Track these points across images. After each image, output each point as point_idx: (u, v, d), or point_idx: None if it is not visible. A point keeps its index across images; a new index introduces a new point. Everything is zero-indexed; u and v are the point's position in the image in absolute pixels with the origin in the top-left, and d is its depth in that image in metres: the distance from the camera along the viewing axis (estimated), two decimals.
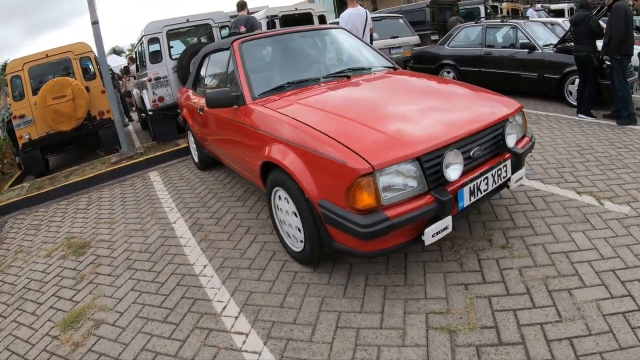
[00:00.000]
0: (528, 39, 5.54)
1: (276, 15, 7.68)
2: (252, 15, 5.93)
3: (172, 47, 6.23)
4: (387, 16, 8.91)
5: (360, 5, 5.07)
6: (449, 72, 6.73)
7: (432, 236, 1.80)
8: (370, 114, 2.10)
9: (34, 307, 2.53)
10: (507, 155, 2.16)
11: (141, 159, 5.40)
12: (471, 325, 1.73)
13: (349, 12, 4.71)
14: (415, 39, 8.22)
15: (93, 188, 4.92)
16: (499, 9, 12.27)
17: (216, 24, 6.07)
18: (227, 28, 6.22)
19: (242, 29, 5.68)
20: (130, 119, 9.76)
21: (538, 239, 2.32)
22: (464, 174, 1.93)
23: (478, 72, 6.22)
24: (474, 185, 1.95)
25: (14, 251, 3.46)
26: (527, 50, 5.50)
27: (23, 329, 2.32)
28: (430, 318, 1.81)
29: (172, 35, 6.00)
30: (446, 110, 2.19)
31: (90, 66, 6.15)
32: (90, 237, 3.42)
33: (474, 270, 2.11)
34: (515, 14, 12.47)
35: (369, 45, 3.35)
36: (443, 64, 6.74)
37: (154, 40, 5.81)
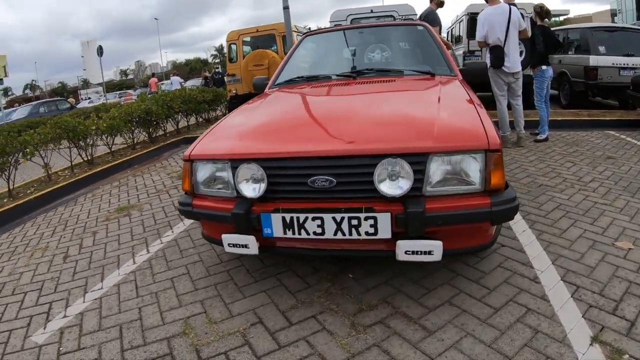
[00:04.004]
0: None
1: (477, 13, 7.48)
2: (433, 10, 6.14)
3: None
4: (626, 27, 7.12)
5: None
6: None
7: (229, 245, 1.90)
8: (288, 116, 2.31)
9: (124, 196, 4.32)
10: (392, 207, 1.69)
11: None
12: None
13: (487, 11, 4.27)
14: None
15: None
16: None
17: (400, 16, 6.69)
18: (412, 20, 6.74)
19: None
20: None
21: (404, 350, 1.69)
22: (288, 200, 1.83)
23: None
24: (292, 218, 1.76)
25: (160, 167, 5.59)
26: None
27: (104, 205, 4.10)
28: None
29: (356, 23, 7.07)
30: (344, 127, 1.96)
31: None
32: None
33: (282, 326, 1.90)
34: None
35: (437, 47, 3.20)
36: None
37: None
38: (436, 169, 1.73)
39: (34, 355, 1.89)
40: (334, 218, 1.72)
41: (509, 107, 4.67)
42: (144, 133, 6.93)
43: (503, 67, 4.27)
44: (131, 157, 6.01)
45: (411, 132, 1.83)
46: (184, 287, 2.31)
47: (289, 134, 2.03)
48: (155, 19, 62.75)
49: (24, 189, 4.61)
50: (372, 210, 1.70)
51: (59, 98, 24.99)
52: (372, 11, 6.82)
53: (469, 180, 1.75)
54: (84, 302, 2.28)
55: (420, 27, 3.46)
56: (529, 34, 4.35)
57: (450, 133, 1.78)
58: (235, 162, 1.89)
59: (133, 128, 6.60)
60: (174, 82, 18.43)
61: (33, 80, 64.75)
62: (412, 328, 1.81)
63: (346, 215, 1.70)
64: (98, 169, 5.36)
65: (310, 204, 1.78)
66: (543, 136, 4.75)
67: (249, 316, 1.99)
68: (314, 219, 1.74)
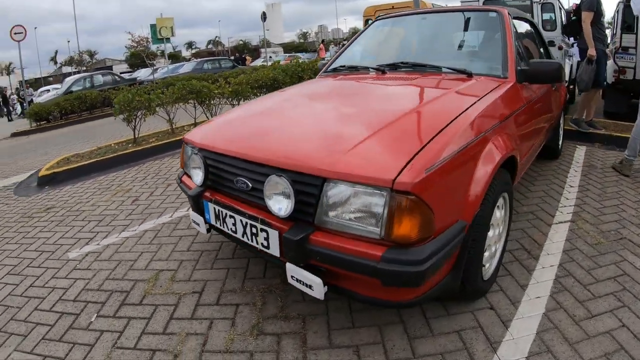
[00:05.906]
0: None
1: None
2: None
3: None
4: None
5: None
6: None
7: (192, 221, 2.27)
8: (254, 112, 2.56)
9: None
10: (283, 226, 1.69)
11: None
12: None
13: None
14: None
15: None
16: None
17: (537, 1, 5.96)
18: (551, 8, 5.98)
19: (574, 7, 5.54)
20: None
21: None
22: (222, 193, 2.05)
23: None
24: (219, 210, 2.00)
25: None
26: None
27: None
28: None
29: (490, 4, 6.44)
30: (280, 131, 2.07)
31: None
32: None
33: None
34: None
35: (502, 40, 2.68)
36: None
37: None
38: (332, 198, 1.58)
39: (60, 265, 2.72)
40: (241, 221, 1.89)
41: None
42: None
43: None
44: None
45: (320, 148, 1.74)
46: (182, 246, 2.86)
47: (232, 130, 2.27)
48: None
49: (148, 138, 5.92)
50: (266, 224, 1.75)
51: (222, 57, 29.49)
52: None
53: (370, 221, 1.52)
54: (117, 237, 3.06)
55: (492, 14, 3.01)
56: None
57: (362, 158, 1.59)
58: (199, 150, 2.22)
59: (259, 94, 7.50)
60: None
61: (217, 37, 76.36)
62: (294, 356, 1.78)
63: (248, 221, 1.85)
64: None
65: (232, 201, 1.99)
66: None
67: (198, 285, 2.38)
68: (230, 216, 1.96)
